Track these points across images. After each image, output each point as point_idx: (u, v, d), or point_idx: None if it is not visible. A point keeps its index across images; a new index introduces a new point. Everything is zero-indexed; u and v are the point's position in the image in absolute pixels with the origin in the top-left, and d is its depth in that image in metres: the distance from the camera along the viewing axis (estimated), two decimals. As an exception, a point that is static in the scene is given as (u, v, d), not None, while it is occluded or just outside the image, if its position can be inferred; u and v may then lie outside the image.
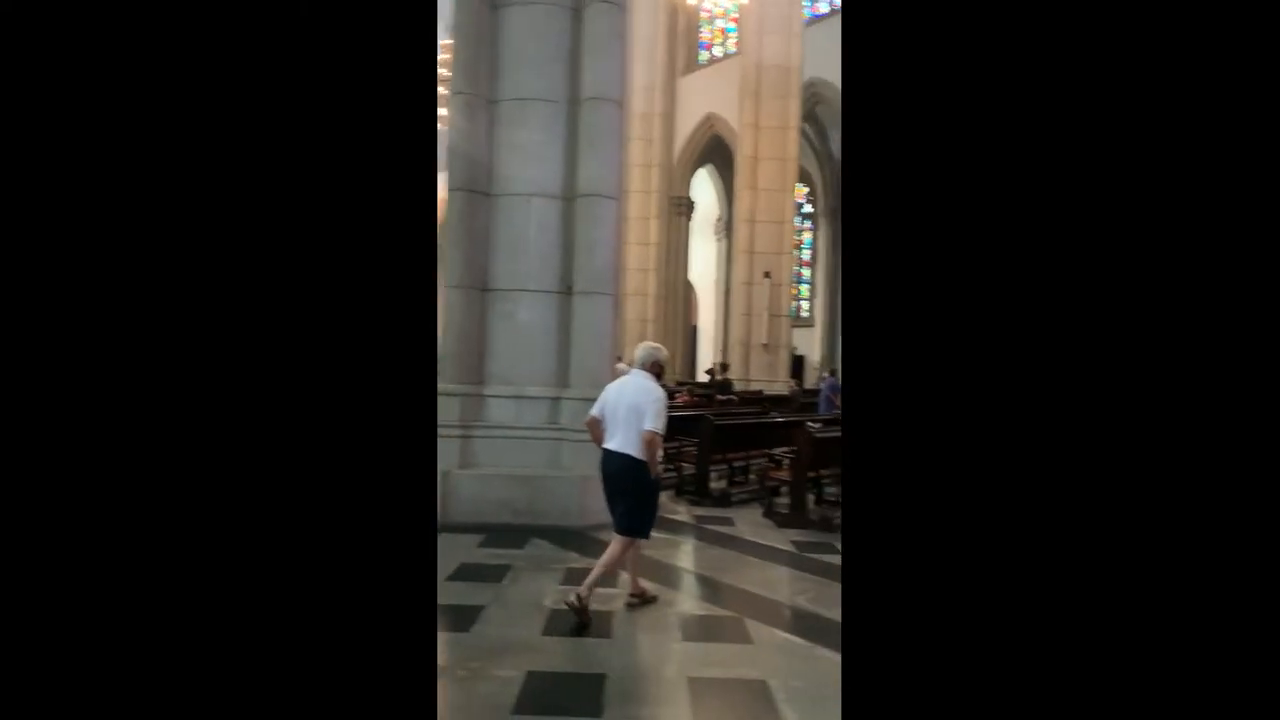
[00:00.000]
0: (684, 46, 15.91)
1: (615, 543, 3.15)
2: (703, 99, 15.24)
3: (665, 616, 3.18)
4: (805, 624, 3.17)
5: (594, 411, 3.20)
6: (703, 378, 13.78)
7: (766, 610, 3.32)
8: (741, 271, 11.74)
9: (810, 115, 15.17)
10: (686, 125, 15.56)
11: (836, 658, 2.78)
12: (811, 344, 17.23)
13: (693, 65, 16.14)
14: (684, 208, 15.77)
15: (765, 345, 11.73)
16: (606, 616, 3.11)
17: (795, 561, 4.15)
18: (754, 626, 3.08)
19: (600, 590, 3.45)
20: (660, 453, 3.20)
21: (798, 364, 16.51)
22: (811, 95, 13.91)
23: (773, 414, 7.04)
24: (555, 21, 4.55)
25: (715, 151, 15.75)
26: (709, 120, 15.17)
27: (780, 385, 11.59)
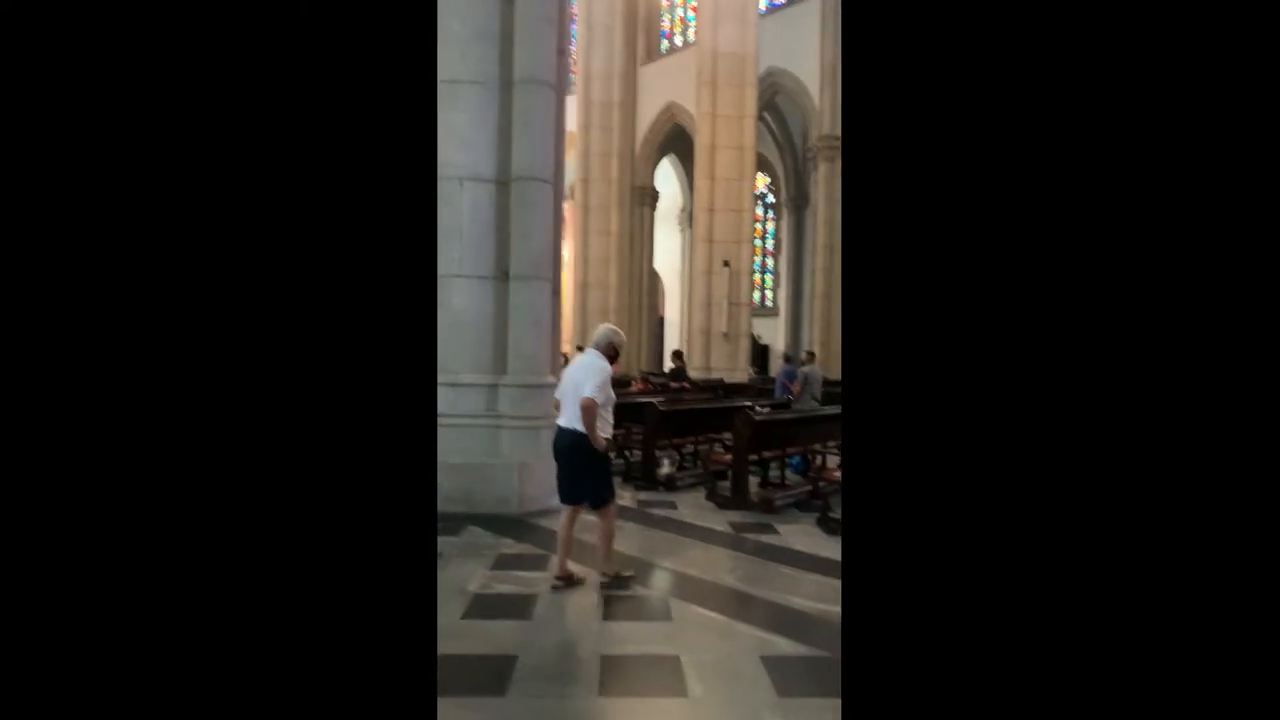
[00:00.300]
0: (645, 35, 15.82)
1: (601, 516, 3.31)
2: (664, 88, 15.19)
3: (589, 598, 3.18)
4: (728, 602, 3.20)
5: (556, 393, 3.40)
6: (668, 367, 13.80)
7: (693, 589, 3.34)
8: (701, 260, 11.77)
9: (770, 105, 15.25)
10: (649, 115, 15.50)
11: (754, 632, 2.81)
12: (776, 333, 17.38)
13: (654, 54, 16.07)
14: (647, 197, 15.72)
15: (725, 334, 11.79)
16: (529, 600, 3.10)
17: (730, 542, 4.19)
18: (677, 605, 3.10)
19: (524, 574, 3.45)
20: (608, 428, 3.29)
21: (762, 353, 16.65)
22: (770, 85, 13.96)
23: (721, 400, 7.08)
24: (483, 3, 4.47)
25: (678, 141, 15.73)
26: (670, 109, 15.14)
27: (741, 374, 11.67)
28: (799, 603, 3.18)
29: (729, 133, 11.40)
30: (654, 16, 16.16)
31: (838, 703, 2.25)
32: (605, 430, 3.26)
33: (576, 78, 14.53)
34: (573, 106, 13.64)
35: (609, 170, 14.28)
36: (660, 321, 18.61)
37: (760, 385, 10.35)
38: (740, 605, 3.14)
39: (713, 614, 3.01)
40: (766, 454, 5.24)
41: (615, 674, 2.42)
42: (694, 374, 11.87)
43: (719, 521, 4.59)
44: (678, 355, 10.11)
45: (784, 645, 2.70)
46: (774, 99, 14.95)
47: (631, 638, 2.76)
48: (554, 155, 4.93)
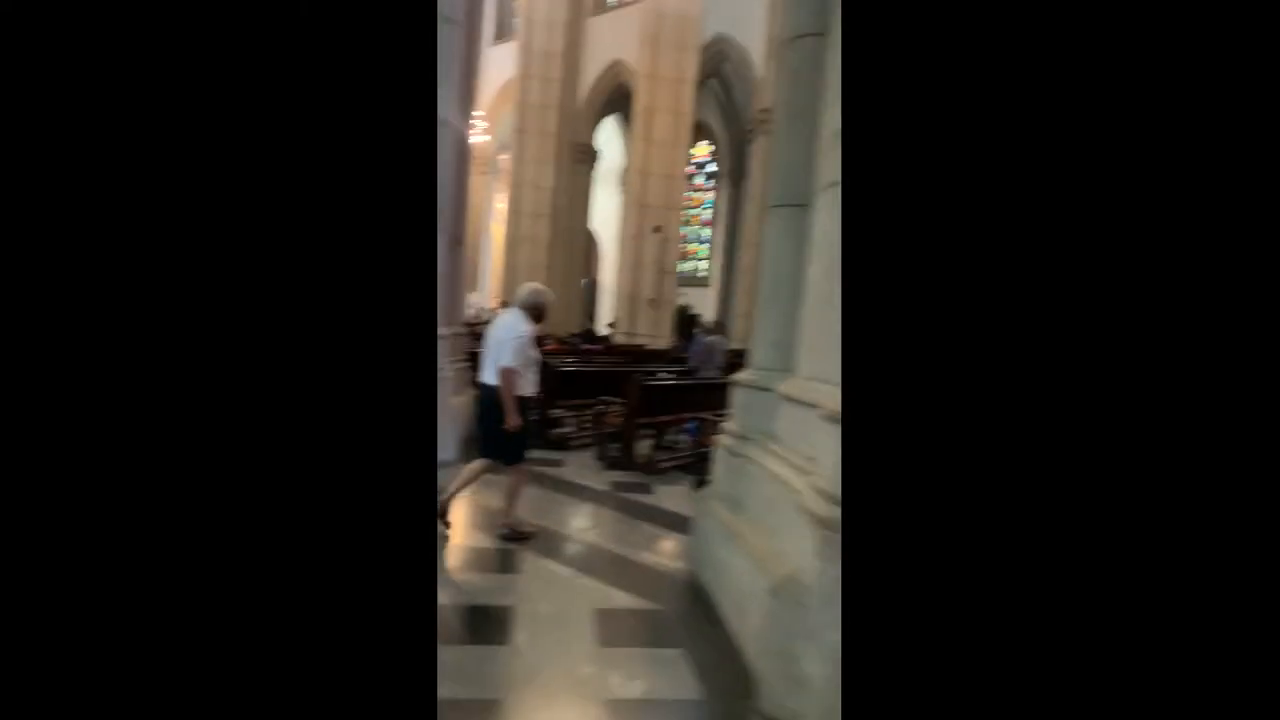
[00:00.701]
0: (595, -16, 15.25)
1: (512, 472, 3.39)
2: (611, 44, 14.74)
3: (442, 551, 3.19)
4: (581, 556, 3.28)
5: (482, 346, 3.45)
6: (604, 332, 13.78)
7: (551, 544, 3.40)
8: (632, 224, 11.69)
9: (718, 74, 15.07)
10: (593, 70, 15.05)
11: (597, 586, 2.90)
12: (707, 304, 17.56)
13: (603, 5, 15.54)
14: (586, 155, 15.38)
15: (652, 300, 11.83)
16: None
17: (603, 500, 4.28)
18: (530, 559, 3.15)
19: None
20: (530, 387, 3.33)
21: (691, 323, 16.81)
22: (717, 53, 13.78)
23: (627, 365, 7.13)
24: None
25: (623, 102, 15.37)
26: (615, 68, 14.73)
27: (664, 341, 11.78)
28: (649, 559, 3.29)
29: (668, 96, 11.24)
30: (606, -35, 15.58)
31: (653, 652, 2.40)
32: (529, 389, 3.31)
33: (519, 22, 13.94)
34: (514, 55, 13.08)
35: (546, 123, 13.83)
36: (593, 284, 18.48)
37: (680, 353, 10.49)
38: (592, 560, 3.22)
39: (562, 568, 3.08)
40: (661, 419, 5.33)
41: (445, 623, 2.45)
42: (620, 339, 11.93)
43: (601, 481, 4.67)
44: (590, 319, 10.05)
45: (621, 599, 2.80)
46: (720, 67, 14.78)
47: (475, 589, 2.79)
48: (459, 97, 4.73)
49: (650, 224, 11.49)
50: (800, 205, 2.83)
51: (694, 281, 18.51)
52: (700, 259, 19.19)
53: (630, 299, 11.86)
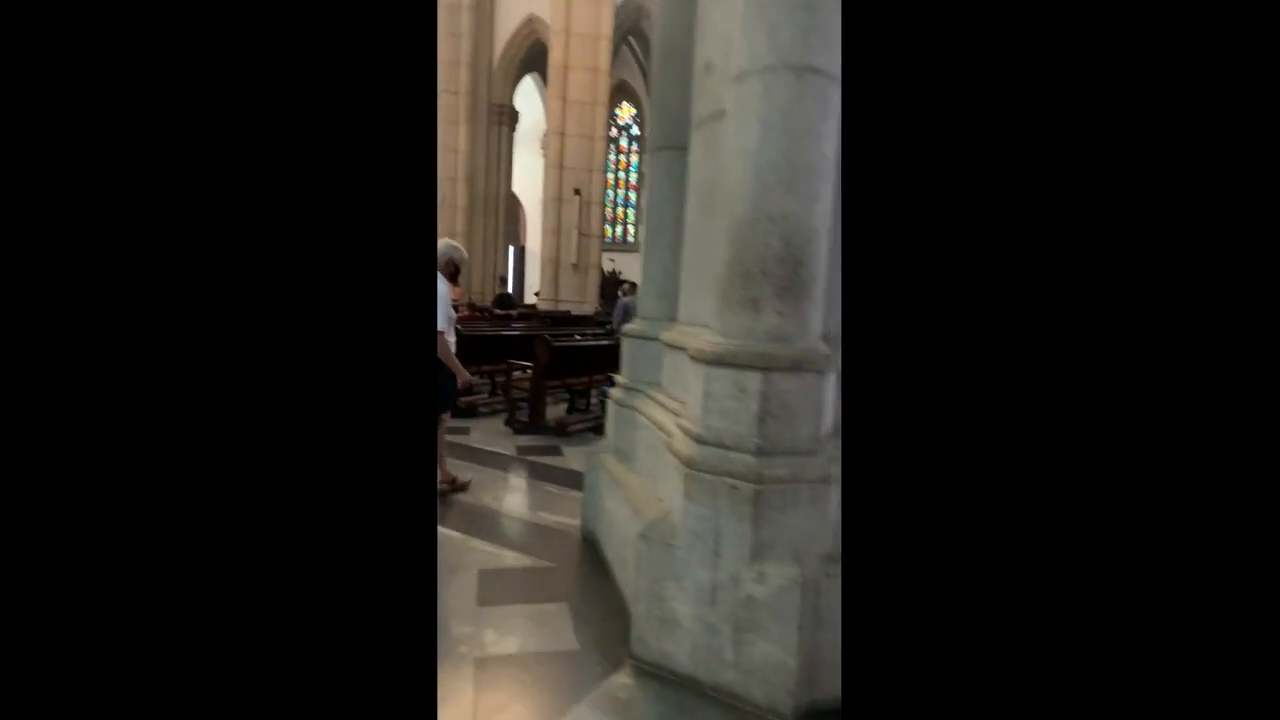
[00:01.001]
0: (506, -67, 14.50)
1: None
2: (526, -2, 14.13)
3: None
4: (476, 519, 3.19)
5: None
6: (531, 300, 13.48)
7: (443, 510, 3.30)
8: (552, 187, 11.38)
9: (636, 31, 14.73)
10: (509, 26, 14.41)
11: (485, 547, 2.83)
12: (637, 269, 17.47)
13: (517, -43, 14.82)
14: (505, 116, 14.82)
15: (575, 265, 11.63)
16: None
17: (507, 464, 4.19)
18: (421, 524, 3.04)
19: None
20: (450, 346, 3.23)
21: (615, 286, 16.72)
22: (635, 8, 13.43)
23: (541, 329, 6.99)
24: None
25: (540, 60, 14.83)
26: (531, 23, 14.15)
27: (589, 306, 11.65)
28: (546, 518, 3.24)
29: (584, 53, 10.89)
30: (517, -86, 14.81)
31: (534, 608, 2.35)
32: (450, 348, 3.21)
33: (425, -28, 13.09)
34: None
35: (457, 80, 13.20)
36: (521, 251, 18.05)
37: (605, 317, 10.40)
38: (485, 522, 3.14)
39: (453, 533, 2.99)
40: (572, 380, 5.25)
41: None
42: (543, 305, 11.70)
43: (508, 446, 4.57)
44: (503, 281, 9.87)
45: (510, 558, 2.74)
46: (640, 24, 14.45)
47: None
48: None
49: (570, 186, 11.22)
50: (680, 148, 2.75)
51: (623, 247, 18.36)
52: (630, 223, 19.02)
53: (553, 264, 11.63)
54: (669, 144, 2.83)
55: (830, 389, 1.97)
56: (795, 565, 1.82)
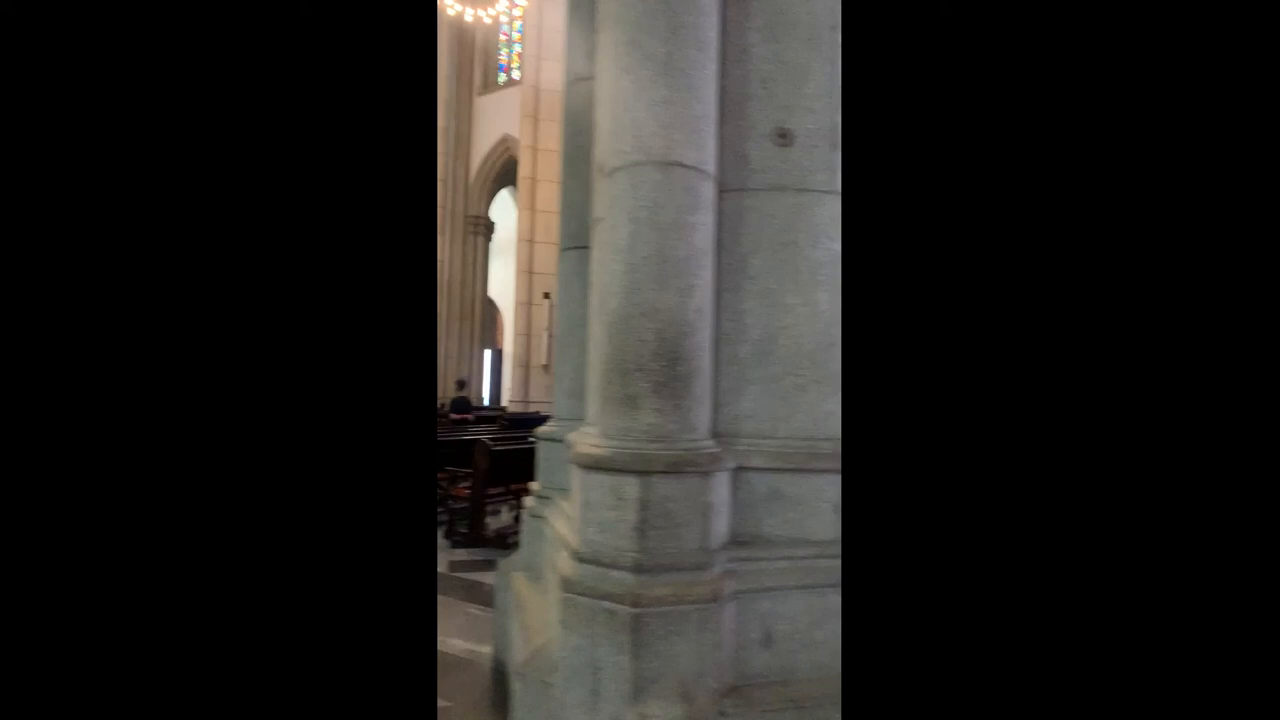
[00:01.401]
0: (482, 67, 15.73)
1: None
2: (500, 120, 15.09)
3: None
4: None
5: None
6: (507, 401, 13.32)
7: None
8: (522, 292, 11.58)
9: (606, 146, 15.63)
10: (485, 145, 15.30)
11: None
12: (613, 368, 17.50)
13: (492, 85, 15.99)
14: (481, 227, 15.39)
15: (545, 366, 11.60)
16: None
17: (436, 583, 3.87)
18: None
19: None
20: None
21: (594, 387, 16.62)
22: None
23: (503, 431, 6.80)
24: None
25: (513, 173, 15.62)
26: (505, 142, 15.04)
27: (560, 407, 11.50)
28: (457, 647, 2.93)
29: (550, 167, 11.44)
30: (492, 50, 16.14)
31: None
32: None
33: (405, 100, 14.03)
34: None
35: (441, 197, 13.80)
36: (499, 354, 18.11)
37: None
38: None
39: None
40: (518, 485, 5.01)
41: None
42: (514, 406, 11.53)
43: (441, 562, 4.25)
44: (461, 385, 9.75)
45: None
46: (608, 140, 15.35)
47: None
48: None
49: (539, 290, 11.41)
50: (586, 247, 2.73)
51: (600, 347, 18.48)
52: (605, 325, 19.28)
53: (524, 366, 11.61)
54: (575, 244, 2.81)
55: (721, 491, 1.80)
56: (681, 704, 1.57)
